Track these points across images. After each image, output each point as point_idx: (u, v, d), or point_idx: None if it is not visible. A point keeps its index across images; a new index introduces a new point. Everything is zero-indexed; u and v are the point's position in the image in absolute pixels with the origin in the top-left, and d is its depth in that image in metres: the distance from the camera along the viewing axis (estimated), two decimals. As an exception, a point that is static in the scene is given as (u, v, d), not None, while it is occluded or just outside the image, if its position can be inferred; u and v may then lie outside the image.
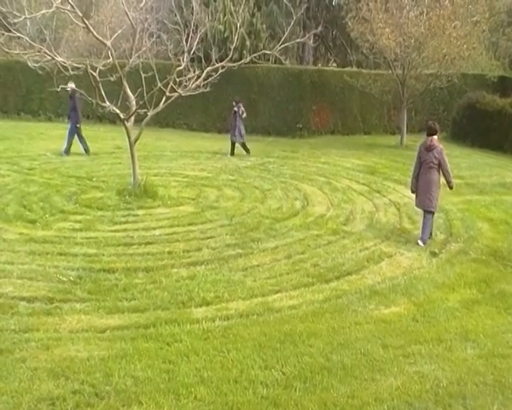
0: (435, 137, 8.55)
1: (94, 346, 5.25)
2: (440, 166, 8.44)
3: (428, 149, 8.46)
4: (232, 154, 15.63)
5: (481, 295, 6.76)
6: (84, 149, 14.95)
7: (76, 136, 14.85)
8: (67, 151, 14.72)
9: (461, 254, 8.16)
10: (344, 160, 15.44)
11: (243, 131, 15.61)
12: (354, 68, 22.95)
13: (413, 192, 8.86)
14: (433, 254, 8.08)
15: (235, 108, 15.57)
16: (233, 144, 15.71)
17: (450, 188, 8.77)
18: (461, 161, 15.78)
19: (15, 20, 9.99)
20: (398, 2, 17.66)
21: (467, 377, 4.91)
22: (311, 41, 24.11)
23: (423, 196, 8.57)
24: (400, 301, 6.51)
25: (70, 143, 14.77)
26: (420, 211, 8.89)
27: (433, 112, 22.27)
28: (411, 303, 6.45)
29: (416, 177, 8.66)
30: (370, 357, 5.22)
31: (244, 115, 15.56)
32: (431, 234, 8.70)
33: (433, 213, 8.62)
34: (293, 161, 15.17)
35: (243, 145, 15.74)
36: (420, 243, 8.41)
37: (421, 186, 8.59)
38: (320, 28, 19.81)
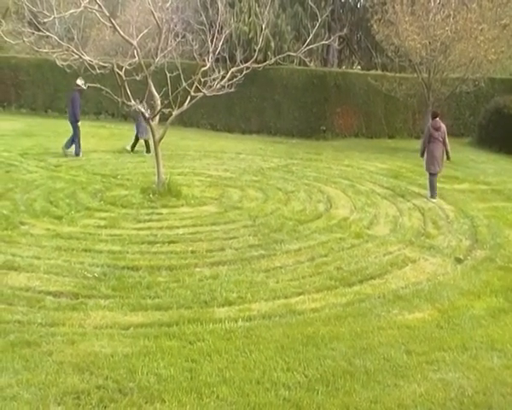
0: (438, 118, 11.44)
1: (118, 342, 5.30)
2: (443, 141, 11.35)
3: (437, 129, 11.33)
4: (148, 151, 15.07)
5: (508, 303, 6.63)
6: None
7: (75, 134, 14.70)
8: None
9: (487, 261, 8.03)
10: (368, 163, 15.32)
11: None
12: (379, 71, 22.74)
13: (421, 156, 11.91)
14: (459, 261, 7.97)
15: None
16: (146, 141, 15.23)
17: (448, 158, 11.75)
18: (487, 166, 15.53)
19: (45, 20, 10.16)
20: (424, 5, 17.47)
21: (493, 387, 4.82)
22: (336, 43, 23.95)
23: (430, 163, 11.35)
24: (424, 306, 6.44)
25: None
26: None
27: (458, 116, 21.99)
28: (435, 309, 6.36)
29: (424, 148, 11.59)
30: (393, 362, 5.16)
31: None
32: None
33: (436, 174, 11.38)
34: (316, 163, 15.12)
35: (146, 144, 15.31)
36: (430, 198, 11.20)
37: (429, 155, 11.39)
38: (345, 30, 19.74)
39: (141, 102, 10.28)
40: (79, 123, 14.61)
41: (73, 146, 14.59)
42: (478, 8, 17.01)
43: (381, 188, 12.27)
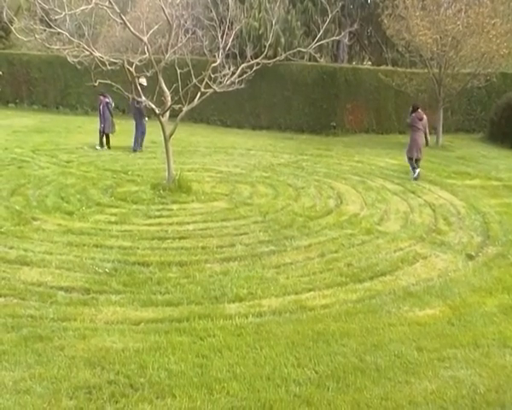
0: (419, 110, 12.84)
1: (129, 338, 5.33)
2: (424, 130, 12.80)
3: (421, 119, 12.77)
4: (108, 146, 15.25)
5: (521, 301, 6.58)
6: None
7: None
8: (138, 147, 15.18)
9: (499, 257, 7.96)
10: (378, 159, 15.24)
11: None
12: (389, 67, 22.59)
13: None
14: (470, 257, 7.92)
15: (107, 100, 15.21)
16: (107, 136, 15.29)
17: (427, 144, 13.16)
18: (499, 162, 15.39)
19: (56, 17, 10.20)
20: (435, 0, 17.32)
21: (506, 385, 4.79)
22: (346, 39, 23.90)
23: (415, 149, 12.78)
24: (435, 303, 6.40)
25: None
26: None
27: (470, 112, 21.81)
28: (447, 306, 6.33)
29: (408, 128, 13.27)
30: (404, 359, 5.15)
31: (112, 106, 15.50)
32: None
33: (419, 159, 12.87)
34: (326, 159, 15.07)
35: (107, 137, 15.32)
36: (413, 178, 12.50)
37: (413, 143, 12.78)
38: (355, 26, 19.59)
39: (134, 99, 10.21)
40: (146, 119, 15.22)
41: (139, 140, 15.16)
42: (490, 3, 16.82)
43: (391, 184, 12.20)
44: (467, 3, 16.93)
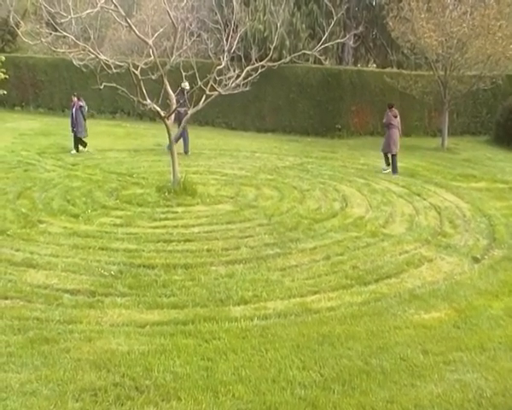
0: (394, 108, 13.89)
1: (134, 340, 5.35)
2: (398, 127, 13.74)
3: (395, 116, 13.73)
4: (77, 150, 14.89)
5: (527, 304, 6.55)
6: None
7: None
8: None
9: (505, 260, 7.93)
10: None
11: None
12: (394, 69, 22.52)
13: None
14: (476, 260, 7.89)
15: (81, 104, 14.95)
16: (80, 139, 14.95)
17: (400, 136, 14.01)
18: (505, 165, 15.32)
19: (62, 20, 10.26)
20: (440, 2, 17.24)
21: (512, 388, 4.77)
22: (351, 41, 23.82)
23: (392, 145, 13.53)
24: (441, 306, 6.38)
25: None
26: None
27: (475, 114, 21.71)
28: (452, 309, 6.31)
29: (386, 128, 14.00)
30: (410, 362, 5.14)
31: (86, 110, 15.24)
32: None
33: (395, 154, 13.56)
34: (331, 161, 15.06)
35: (81, 140, 15.01)
36: (393, 175, 13.22)
37: (390, 139, 13.56)
38: (360, 28, 19.58)
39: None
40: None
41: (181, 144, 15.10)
42: (496, 5, 16.77)
43: (396, 186, 12.18)
44: (472, 5, 16.88)
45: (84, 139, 15.07)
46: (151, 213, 9.40)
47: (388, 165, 13.69)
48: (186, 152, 15.25)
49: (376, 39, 26.50)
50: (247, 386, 4.65)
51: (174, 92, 10.55)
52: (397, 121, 13.76)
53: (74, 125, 14.83)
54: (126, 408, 4.33)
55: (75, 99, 15.02)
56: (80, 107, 14.96)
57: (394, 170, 13.55)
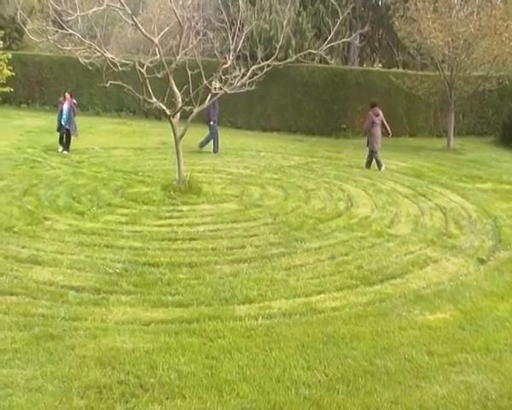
0: (376, 107, 14.11)
1: (139, 338, 5.35)
2: (383, 124, 14.07)
3: (377, 115, 13.99)
4: (68, 149, 14.55)
5: (533, 305, 6.52)
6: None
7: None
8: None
9: (510, 262, 7.88)
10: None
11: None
12: (400, 69, 22.51)
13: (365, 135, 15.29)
14: (481, 261, 7.86)
15: (74, 101, 14.77)
16: (69, 138, 14.62)
17: (388, 134, 14.45)
18: (511, 166, 15.27)
19: (68, 18, 10.29)
20: (447, 2, 17.23)
21: (518, 390, 4.75)
22: (357, 41, 23.82)
23: (375, 142, 13.96)
24: (446, 307, 6.36)
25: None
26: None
27: (481, 115, 21.68)
28: (458, 310, 6.28)
29: (368, 131, 14.33)
30: (415, 363, 5.12)
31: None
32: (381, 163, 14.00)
33: (376, 152, 14.01)
34: (337, 161, 15.05)
35: (69, 140, 14.66)
36: (381, 169, 13.85)
37: (373, 137, 13.95)
38: (366, 28, 19.55)
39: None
40: (211, 122, 15.55)
41: (211, 144, 15.72)
42: (502, 5, 16.75)
43: (402, 187, 12.15)
44: (479, 6, 16.85)
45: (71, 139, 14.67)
46: (156, 212, 9.42)
47: (379, 162, 14.02)
48: (215, 151, 15.71)
49: (382, 39, 26.49)
50: (252, 385, 4.65)
51: (180, 91, 10.55)
52: (379, 119, 13.98)
53: (67, 123, 14.30)
54: (131, 406, 4.34)
55: (68, 96, 14.58)
56: (74, 104, 14.77)
57: (368, 165, 14.12)
